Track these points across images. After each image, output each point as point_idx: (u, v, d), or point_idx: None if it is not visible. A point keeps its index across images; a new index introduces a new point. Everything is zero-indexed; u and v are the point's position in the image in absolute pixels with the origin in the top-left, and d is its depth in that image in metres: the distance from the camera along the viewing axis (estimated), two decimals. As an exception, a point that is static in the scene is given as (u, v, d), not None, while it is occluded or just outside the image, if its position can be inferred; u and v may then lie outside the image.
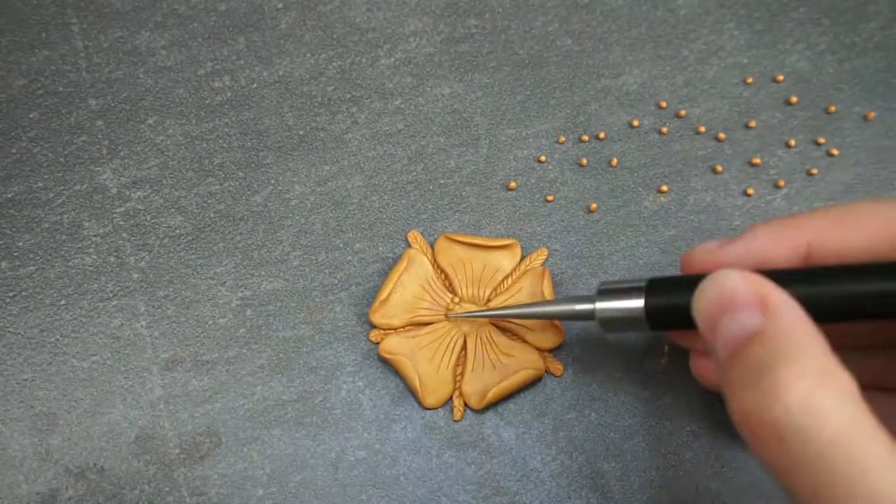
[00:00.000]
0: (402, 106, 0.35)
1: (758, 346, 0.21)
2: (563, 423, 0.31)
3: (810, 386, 0.20)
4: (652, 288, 0.27)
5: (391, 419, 0.31)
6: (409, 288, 0.32)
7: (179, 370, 0.32)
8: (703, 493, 0.30)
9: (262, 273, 0.33)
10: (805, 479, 0.20)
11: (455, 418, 0.31)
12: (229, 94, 0.35)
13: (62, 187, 0.34)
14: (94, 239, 0.33)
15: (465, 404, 0.31)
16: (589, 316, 0.28)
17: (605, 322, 0.28)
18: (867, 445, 0.19)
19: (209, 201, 0.34)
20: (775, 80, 0.35)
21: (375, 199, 0.34)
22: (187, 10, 0.35)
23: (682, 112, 0.35)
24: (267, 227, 0.33)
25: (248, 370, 0.32)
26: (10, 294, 0.33)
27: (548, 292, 0.32)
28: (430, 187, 0.34)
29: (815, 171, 0.34)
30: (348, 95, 0.35)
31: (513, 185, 0.34)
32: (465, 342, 0.32)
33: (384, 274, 0.33)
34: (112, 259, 0.33)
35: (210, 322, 0.32)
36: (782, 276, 0.24)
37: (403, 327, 0.32)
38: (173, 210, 0.34)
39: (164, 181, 0.34)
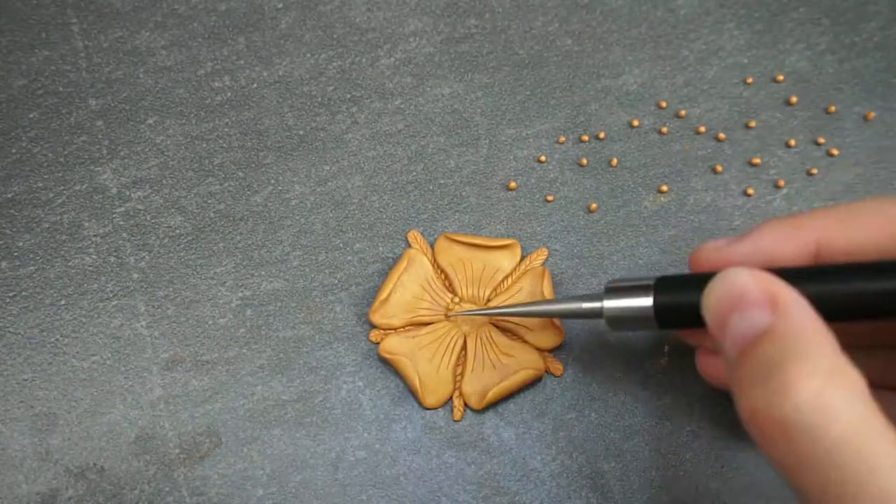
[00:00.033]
0: (402, 106, 0.35)
1: (767, 344, 0.21)
2: (563, 423, 0.31)
3: (820, 384, 0.20)
4: (660, 286, 0.27)
5: (391, 419, 0.31)
6: (409, 288, 0.32)
7: (179, 370, 0.32)
8: (703, 493, 0.30)
9: (262, 273, 0.33)
10: (814, 478, 0.20)
11: (455, 418, 0.31)
12: (229, 94, 0.35)
13: (62, 187, 0.34)
14: (94, 239, 0.33)
15: (465, 404, 0.31)
16: (596, 314, 0.28)
17: (613, 320, 0.28)
18: (877, 444, 0.19)
19: (209, 201, 0.34)
20: (775, 80, 0.35)
21: (375, 199, 0.34)
22: (187, 10, 0.35)
23: (682, 112, 0.35)
24: (267, 227, 0.33)
25: (248, 370, 0.32)
26: (10, 294, 0.33)
27: (548, 292, 0.32)
28: (430, 187, 0.34)
29: (815, 171, 0.34)
30: (348, 95, 0.35)
31: (513, 185, 0.34)
32: (465, 342, 0.32)
33: (384, 274, 0.33)
34: (112, 259, 0.33)
35: (210, 322, 0.32)
36: (791, 274, 0.24)
37: (403, 327, 0.32)
38: (173, 210, 0.34)
39: (164, 181, 0.34)
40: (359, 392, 0.32)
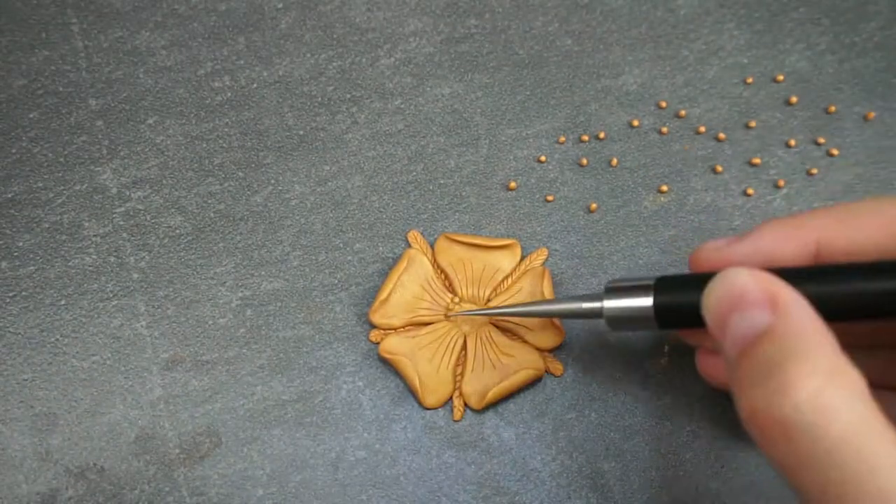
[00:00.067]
0: (402, 106, 0.35)
1: (767, 344, 0.21)
2: (563, 423, 0.31)
3: (820, 384, 0.20)
4: (660, 286, 0.27)
5: (391, 419, 0.31)
6: (409, 288, 0.32)
7: (179, 370, 0.32)
8: (703, 493, 0.30)
9: (262, 273, 0.33)
10: (813, 477, 0.20)
11: (455, 418, 0.31)
12: (229, 94, 0.35)
13: (62, 187, 0.34)
14: (94, 239, 0.33)
15: (465, 404, 0.31)
16: (596, 314, 0.28)
17: (613, 321, 0.28)
18: (877, 444, 0.19)
19: (209, 201, 0.34)
20: (775, 80, 0.35)
21: (375, 199, 0.34)
22: (187, 10, 0.35)
23: (682, 112, 0.35)
24: (267, 227, 0.33)
25: (248, 370, 0.32)
26: (10, 294, 0.33)
27: (548, 292, 0.32)
28: (430, 187, 0.34)
29: (815, 171, 0.34)
30: (348, 95, 0.35)
31: (513, 185, 0.34)
32: (465, 342, 0.32)
33: (384, 274, 0.33)
34: (112, 259, 0.33)
35: (210, 322, 0.32)
36: (791, 275, 0.24)
37: (403, 327, 0.32)
38: (173, 210, 0.34)
39: (164, 181, 0.34)
40: (359, 392, 0.32)
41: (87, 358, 0.32)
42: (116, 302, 0.32)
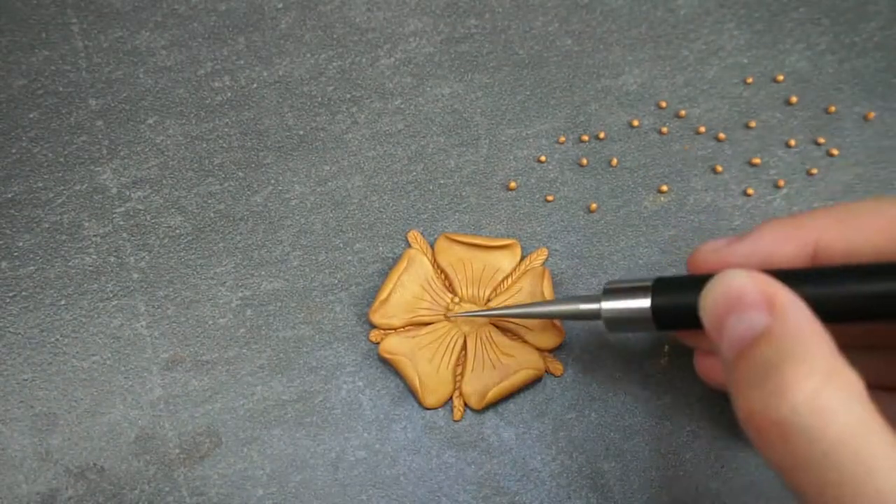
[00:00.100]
0: (402, 106, 0.35)
1: (765, 345, 0.21)
2: (563, 423, 0.31)
3: (817, 385, 0.20)
4: (658, 287, 0.27)
5: (391, 419, 0.31)
6: (409, 288, 0.32)
7: (179, 370, 0.32)
8: (703, 493, 0.30)
9: (262, 273, 0.33)
10: (811, 479, 0.20)
11: (455, 418, 0.31)
12: (229, 94, 0.35)
13: (62, 187, 0.34)
14: (94, 239, 0.33)
15: (465, 404, 0.31)
16: (594, 316, 0.28)
17: (611, 322, 0.28)
18: (874, 445, 0.19)
19: (209, 201, 0.34)
20: (775, 80, 0.35)
21: (375, 199, 0.34)
22: (187, 10, 0.35)
23: (682, 112, 0.35)
24: (267, 227, 0.33)
25: (248, 370, 0.32)
26: (10, 294, 0.33)
27: (548, 292, 0.32)
28: (430, 187, 0.34)
29: (815, 171, 0.34)
30: (348, 95, 0.35)
31: (513, 185, 0.34)
32: (465, 342, 0.32)
33: (384, 274, 0.33)
34: (112, 259, 0.33)
35: (210, 322, 0.32)
36: (789, 276, 0.24)
37: (403, 327, 0.32)
38: (173, 210, 0.34)
39: (164, 181, 0.34)
40: (359, 392, 0.32)
41: (87, 358, 0.32)
42: (116, 302, 0.32)
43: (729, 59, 0.35)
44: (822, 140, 0.34)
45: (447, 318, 0.32)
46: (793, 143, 0.34)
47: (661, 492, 0.30)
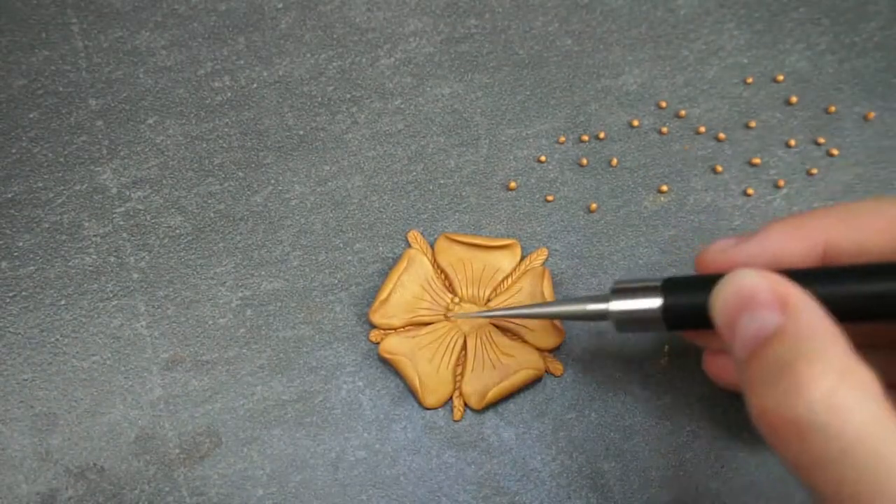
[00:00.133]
0: (402, 106, 0.35)
1: (778, 344, 0.21)
2: (563, 423, 0.31)
3: (832, 383, 0.20)
4: (668, 287, 0.27)
5: (391, 419, 0.31)
6: (409, 288, 0.32)
7: (179, 370, 0.32)
8: (703, 493, 0.30)
9: (262, 273, 0.33)
10: (828, 477, 0.20)
11: (455, 418, 0.31)
12: (229, 94, 0.35)
13: (62, 187, 0.34)
14: (94, 239, 0.33)
15: (465, 404, 0.31)
16: (601, 317, 0.28)
17: (620, 322, 0.27)
18: (891, 443, 0.19)
19: (209, 201, 0.34)
20: (775, 80, 0.35)
21: (375, 199, 0.34)
22: (187, 10, 0.35)
23: (682, 112, 0.35)
24: (267, 227, 0.33)
25: (248, 370, 0.32)
26: (10, 294, 0.33)
27: (548, 292, 0.32)
28: (430, 187, 0.34)
29: (815, 171, 0.34)
30: (348, 95, 0.35)
31: (513, 185, 0.34)
32: (465, 342, 0.32)
33: (384, 274, 0.33)
34: (112, 259, 0.33)
35: (210, 322, 0.32)
36: (798, 276, 0.24)
37: (403, 327, 0.32)
38: (173, 210, 0.34)
39: (164, 181, 0.34)
40: (359, 392, 0.32)
41: (87, 358, 0.32)
42: (116, 302, 0.32)
43: (729, 59, 0.35)
44: (822, 140, 0.34)
45: (447, 318, 0.32)
46: (793, 143, 0.34)
47: (661, 492, 0.30)
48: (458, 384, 0.31)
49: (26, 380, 0.32)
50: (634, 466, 0.31)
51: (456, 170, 0.34)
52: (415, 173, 0.34)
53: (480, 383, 0.31)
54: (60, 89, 0.35)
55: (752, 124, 0.34)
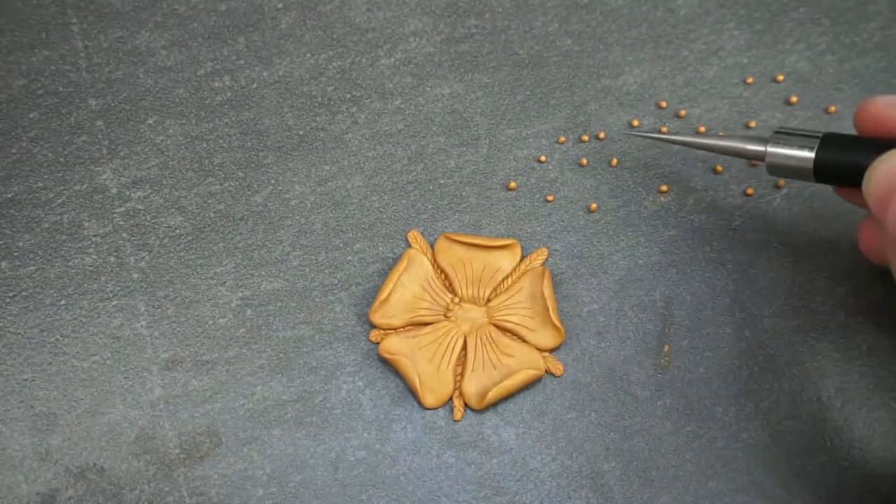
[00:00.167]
0: (402, 106, 0.35)
1: None
2: (563, 423, 0.31)
3: None
4: (826, 142, 0.28)
5: (391, 419, 0.31)
6: (409, 288, 0.32)
7: (179, 370, 0.32)
8: (703, 493, 0.30)
9: (262, 273, 0.33)
10: None
11: (455, 418, 0.31)
12: (229, 94, 0.35)
13: (62, 187, 0.34)
14: (94, 239, 0.33)
15: (465, 404, 0.31)
16: (759, 157, 0.29)
17: (773, 167, 0.29)
18: None
19: (209, 201, 0.34)
20: (775, 80, 0.35)
21: (375, 199, 0.34)
22: (187, 10, 0.36)
23: (682, 112, 0.35)
24: (267, 227, 0.33)
25: (248, 370, 0.32)
26: (10, 294, 0.33)
27: (548, 292, 0.32)
28: (430, 187, 0.34)
29: (815, 171, 0.34)
30: (348, 95, 0.35)
31: (513, 185, 0.34)
32: (465, 342, 0.32)
33: (384, 274, 0.33)
34: (112, 259, 0.33)
35: (210, 322, 0.32)
36: None
37: (403, 327, 0.32)
38: (173, 210, 0.34)
39: (164, 181, 0.34)
40: (359, 392, 0.32)
41: (87, 358, 0.32)
42: (116, 302, 0.32)
43: (729, 59, 0.35)
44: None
45: (445, 318, 0.32)
46: (793, 143, 0.34)
47: (661, 492, 0.30)
48: (458, 384, 0.31)
49: (26, 380, 0.32)
50: (634, 466, 0.31)
51: (456, 170, 0.34)
52: (415, 173, 0.34)
53: (480, 383, 0.31)
54: (60, 89, 0.35)
55: (752, 124, 0.34)
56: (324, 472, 0.31)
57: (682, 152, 0.34)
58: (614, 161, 0.34)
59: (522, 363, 0.31)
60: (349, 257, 0.33)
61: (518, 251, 0.33)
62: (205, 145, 0.34)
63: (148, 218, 0.33)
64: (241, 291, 0.33)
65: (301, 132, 0.34)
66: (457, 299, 0.32)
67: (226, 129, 0.34)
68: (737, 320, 0.32)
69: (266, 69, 0.35)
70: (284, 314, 0.32)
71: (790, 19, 0.36)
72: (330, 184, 0.34)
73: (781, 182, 0.34)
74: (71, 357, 0.32)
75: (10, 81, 0.35)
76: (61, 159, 0.34)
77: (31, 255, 0.33)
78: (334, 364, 0.32)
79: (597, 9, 0.36)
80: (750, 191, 0.34)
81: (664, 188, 0.34)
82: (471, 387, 0.31)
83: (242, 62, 0.35)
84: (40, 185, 0.34)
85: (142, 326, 0.32)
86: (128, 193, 0.34)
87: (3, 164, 0.34)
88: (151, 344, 0.32)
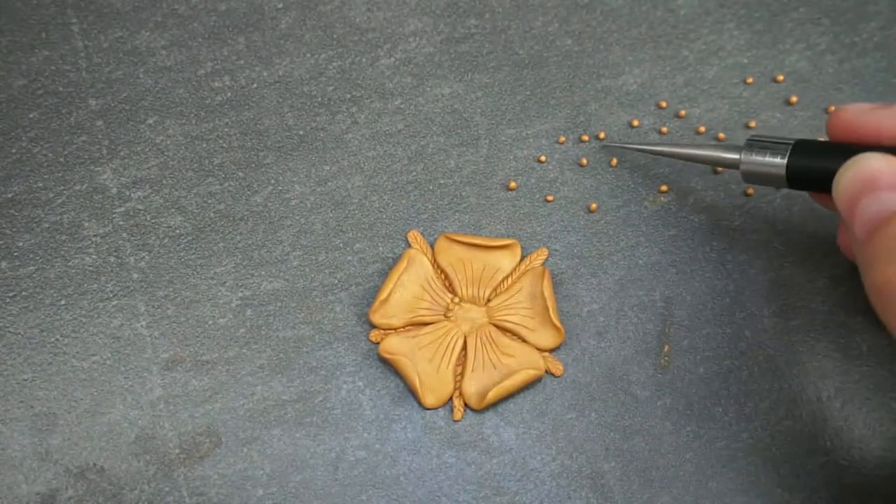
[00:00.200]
0: (402, 106, 0.35)
1: None
2: (563, 423, 0.31)
3: None
4: (797, 149, 0.28)
5: (391, 419, 0.31)
6: (409, 288, 0.32)
7: (179, 370, 0.32)
8: (703, 493, 0.30)
9: (262, 273, 0.33)
10: None
11: (455, 418, 0.31)
12: (229, 94, 0.35)
13: (62, 187, 0.34)
14: (94, 239, 0.33)
15: (465, 404, 0.31)
16: (733, 165, 0.30)
17: (748, 174, 0.30)
18: None
19: (209, 201, 0.34)
20: (775, 80, 0.35)
21: (375, 199, 0.34)
22: (187, 10, 0.36)
23: (682, 112, 0.35)
24: (267, 227, 0.33)
25: (248, 370, 0.32)
26: (10, 294, 0.33)
27: (548, 292, 0.32)
28: (430, 187, 0.34)
29: (815, 171, 0.34)
30: (348, 95, 0.35)
31: (513, 185, 0.34)
32: (465, 342, 0.32)
33: (384, 274, 0.33)
34: (112, 259, 0.33)
35: (210, 322, 0.32)
36: None
37: (403, 327, 0.32)
38: (173, 210, 0.34)
39: (164, 181, 0.34)
40: (359, 392, 0.32)
41: (87, 358, 0.32)
42: (116, 302, 0.32)
43: (729, 59, 0.35)
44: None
45: (446, 316, 0.32)
46: (793, 143, 0.34)
47: (661, 492, 0.30)
48: (458, 384, 0.31)
49: (26, 380, 0.32)
50: (634, 466, 0.31)
51: (456, 170, 0.34)
52: (415, 173, 0.34)
53: (480, 383, 0.31)
54: (60, 89, 0.35)
55: (752, 124, 0.34)
56: (324, 472, 0.31)
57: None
58: (614, 161, 0.34)
59: (522, 363, 0.31)
60: (349, 257, 0.33)
61: (518, 251, 0.33)
62: (205, 145, 0.34)
63: (148, 218, 0.33)
64: (241, 291, 0.33)
65: (301, 132, 0.34)
66: (457, 299, 0.32)
67: (226, 129, 0.34)
68: (737, 320, 0.32)
69: (266, 69, 0.35)
70: (284, 314, 0.32)
71: (790, 19, 0.36)
72: (330, 184, 0.34)
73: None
74: (71, 357, 0.32)
75: (10, 81, 0.35)
76: (61, 159, 0.34)
77: (31, 255, 0.33)
78: (334, 364, 0.32)
79: (597, 9, 0.36)
80: (750, 191, 0.34)
81: (664, 188, 0.34)
82: (471, 387, 0.31)
83: (242, 62, 0.35)
84: (40, 185, 0.34)
85: (142, 326, 0.32)
86: (128, 193, 0.34)
87: (3, 164, 0.34)
88: (151, 344, 0.32)
